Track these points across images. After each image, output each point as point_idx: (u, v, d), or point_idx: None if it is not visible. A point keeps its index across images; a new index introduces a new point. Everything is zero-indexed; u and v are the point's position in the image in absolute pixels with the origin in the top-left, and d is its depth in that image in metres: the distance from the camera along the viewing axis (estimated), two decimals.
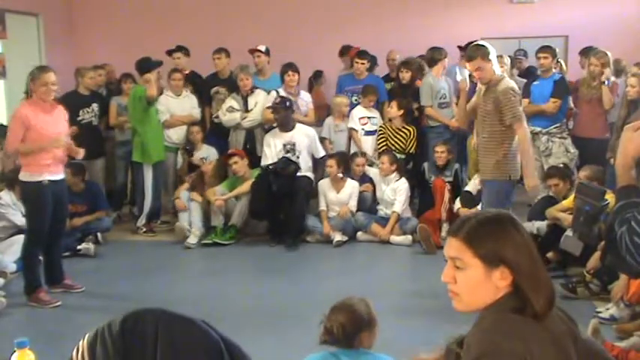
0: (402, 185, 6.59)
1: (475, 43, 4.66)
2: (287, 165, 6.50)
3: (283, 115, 6.61)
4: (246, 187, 6.60)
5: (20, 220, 5.79)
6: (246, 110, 7.01)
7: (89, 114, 7.14)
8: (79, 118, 7.02)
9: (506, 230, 1.64)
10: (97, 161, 7.22)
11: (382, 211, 6.68)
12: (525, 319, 1.58)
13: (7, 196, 5.87)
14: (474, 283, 1.63)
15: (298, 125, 6.76)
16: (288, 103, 6.67)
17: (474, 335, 1.63)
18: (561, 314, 1.70)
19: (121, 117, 7.35)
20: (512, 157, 4.57)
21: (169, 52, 7.76)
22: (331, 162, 6.62)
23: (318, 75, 8.56)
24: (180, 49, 7.79)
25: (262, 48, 7.34)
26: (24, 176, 4.80)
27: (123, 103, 7.31)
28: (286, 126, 6.67)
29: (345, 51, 7.99)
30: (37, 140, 4.71)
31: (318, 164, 6.93)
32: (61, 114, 4.97)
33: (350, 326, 2.49)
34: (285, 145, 6.66)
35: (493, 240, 1.62)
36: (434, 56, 7.13)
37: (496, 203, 4.43)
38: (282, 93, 6.93)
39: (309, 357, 2.58)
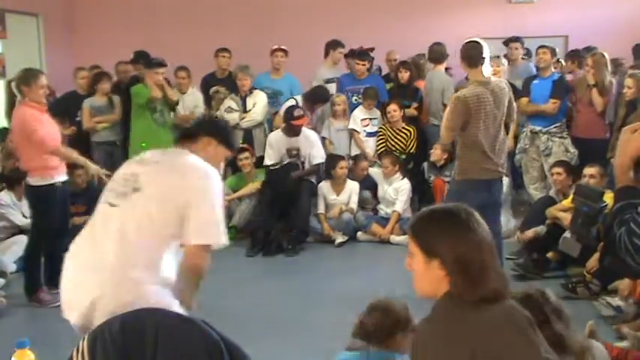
0: (405, 185, 6.59)
1: (472, 39, 4.61)
2: (291, 169, 6.50)
3: (298, 129, 6.55)
4: (249, 189, 6.63)
5: (20, 220, 5.80)
6: (245, 111, 7.01)
7: (83, 113, 7.13)
8: (78, 119, 7.05)
9: (444, 224, 1.76)
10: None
11: (383, 210, 6.69)
12: (463, 305, 1.68)
13: (7, 197, 5.87)
14: (419, 271, 1.77)
15: (303, 129, 6.67)
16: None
17: (420, 331, 1.80)
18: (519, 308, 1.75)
19: (97, 118, 7.16)
20: (466, 157, 4.61)
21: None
22: (344, 163, 6.65)
23: None
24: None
25: (285, 48, 7.38)
26: (35, 180, 4.74)
27: (96, 104, 7.18)
28: (293, 134, 6.59)
29: (328, 49, 7.61)
30: (40, 145, 4.69)
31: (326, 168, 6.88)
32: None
33: (385, 325, 2.56)
34: (288, 150, 6.64)
35: (430, 232, 1.76)
36: (440, 52, 7.16)
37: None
38: (300, 103, 6.95)
39: (340, 355, 2.59)
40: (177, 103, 7.01)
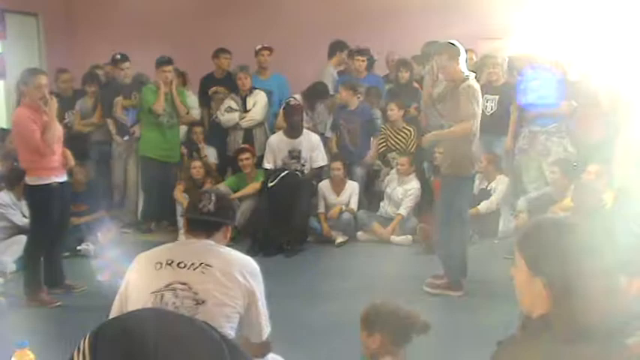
0: (414, 190, 6.56)
1: (448, 41, 4.83)
2: (288, 180, 6.47)
3: (300, 119, 6.60)
4: (250, 189, 6.63)
5: (20, 220, 5.79)
6: (245, 110, 7.02)
7: (75, 115, 7.13)
8: (65, 121, 6.96)
9: (558, 238, 1.54)
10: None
11: (384, 209, 6.68)
12: (559, 334, 1.49)
13: (7, 197, 5.88)
14: (520, 284, 1.59)
15: (305, 131, 6.73)
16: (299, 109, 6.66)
17: (504, 348, 1.60)
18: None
19: (88, 119, 7.24)
20: (468, 154, 4.74)
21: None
22: (337, 165, 6.62)
23: None
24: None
25: (270, 47, 7.39)
26: (32, 180, 4.75)
27: (84, 106, 7.26)
28: (295, 131, 6.64)
29: (335, 49, 7.56)
30: (38, 145, 4.68)
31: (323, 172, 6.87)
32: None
33: None
34: (290, 152, 6.65)
35: (539, 246, 1.55)
36: (427, 52, 7.11)
37: (451, 199, 4.76)
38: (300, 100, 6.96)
39: None
40: (187, 113, 7.05)
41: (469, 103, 4.65)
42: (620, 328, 1.52)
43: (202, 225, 2.46)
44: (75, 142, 6.73)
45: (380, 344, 2.56)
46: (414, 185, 6.58)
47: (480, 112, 4.82)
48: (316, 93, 7.04)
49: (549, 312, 1.51)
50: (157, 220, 7.15)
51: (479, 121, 4.76)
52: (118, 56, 7.39)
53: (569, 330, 1.47)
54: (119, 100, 7.04)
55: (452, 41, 4.80)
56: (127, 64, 7.25)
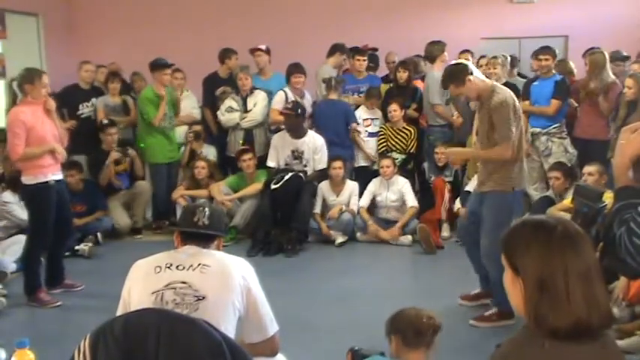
0: (406, 184, 6.58)
1: (452, 64, 4.40)
2: (292, 182, 6.43)
3: (295, 122, 6.55)
4: (251, 189, 6.63)
5: (23, 214, 5.78)
6: (245, 110, 7.02)
7: (88, 108, 7.15)
8: (79, 112, 7.05)
9: (533, 238, 1.54)
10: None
11: (382, 215, 6.67)
12: (536, 338, 1.49)
13: (10, 196, 5.91)
14: (507, 287, 1.59)
15: (310, 133, 6.70)
16: (299, 110, 6.56)
17: (500, 351, 1.59)
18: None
19: (112, 117, 7.19)
20: (514, 167, 4.25)
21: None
22: (338, 163, 6.58)
23: None
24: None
25: (263, 47, 7.33)
26: (28, 179, 4.73)
27: (110, 104, 7.27)
28: (296, 132, 6.62)
29: (335, 50, 7.46)
30: (38, 142, 4.68)
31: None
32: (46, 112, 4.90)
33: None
34: (293, 152, 6.64)
35: (517, 246, 1.56)
36: (432, 51, 7.11)
37: (496, 218, 4.16)
38: (289, 94, 6.90)
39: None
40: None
41: (503, 124, 4.05)
42: (602, 331, 1.50)
43: (196, 237, 2.49)
44: (86, 132, 6.83)
45: (396, 347, 2.59)
46: (402, 181, 6.57)
47: (517, 128, 4.14)
48: (289, 75, 6.97)
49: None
50: (162, 220, 7.15)
51: (517, 141, 4.15)
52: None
53: (538, 330, 1.47)
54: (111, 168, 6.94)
55: (455, 62, 4.38)
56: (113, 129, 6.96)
